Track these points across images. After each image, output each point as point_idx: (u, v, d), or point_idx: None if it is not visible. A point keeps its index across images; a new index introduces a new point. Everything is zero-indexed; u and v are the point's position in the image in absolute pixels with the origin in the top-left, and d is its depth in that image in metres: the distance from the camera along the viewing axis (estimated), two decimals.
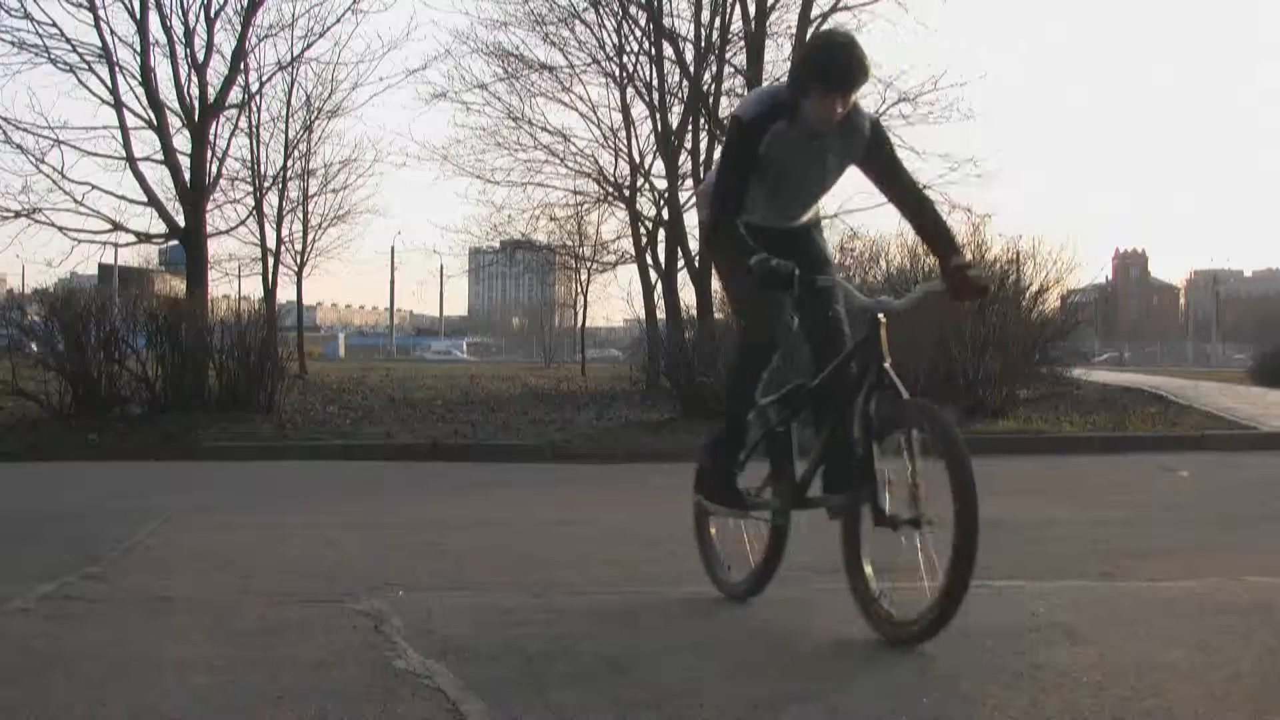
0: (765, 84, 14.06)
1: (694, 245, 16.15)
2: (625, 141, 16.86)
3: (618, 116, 16.90)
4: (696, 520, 4.03)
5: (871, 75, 3.47)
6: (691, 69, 14.90)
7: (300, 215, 21.60)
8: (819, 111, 3.41)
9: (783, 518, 3.68)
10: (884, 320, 3.34)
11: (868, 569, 3.26)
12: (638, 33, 15.81)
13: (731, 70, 15.24)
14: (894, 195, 3.71)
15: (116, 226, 14.72)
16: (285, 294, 24.28)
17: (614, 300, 70.88)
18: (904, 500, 3.22)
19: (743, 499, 3.78)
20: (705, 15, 15.31)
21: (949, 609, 2.99)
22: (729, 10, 14.92)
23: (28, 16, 13.95)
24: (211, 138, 15.03)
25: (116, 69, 14.22)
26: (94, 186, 14.77)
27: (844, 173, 3.68)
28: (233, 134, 16.30)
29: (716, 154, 15.88)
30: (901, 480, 3.24)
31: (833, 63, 3.37)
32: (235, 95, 15.57)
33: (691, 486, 3.97)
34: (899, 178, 3.71)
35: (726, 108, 15.23)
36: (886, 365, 3.32)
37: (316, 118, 19.14)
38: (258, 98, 17.29)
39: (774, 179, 3.60)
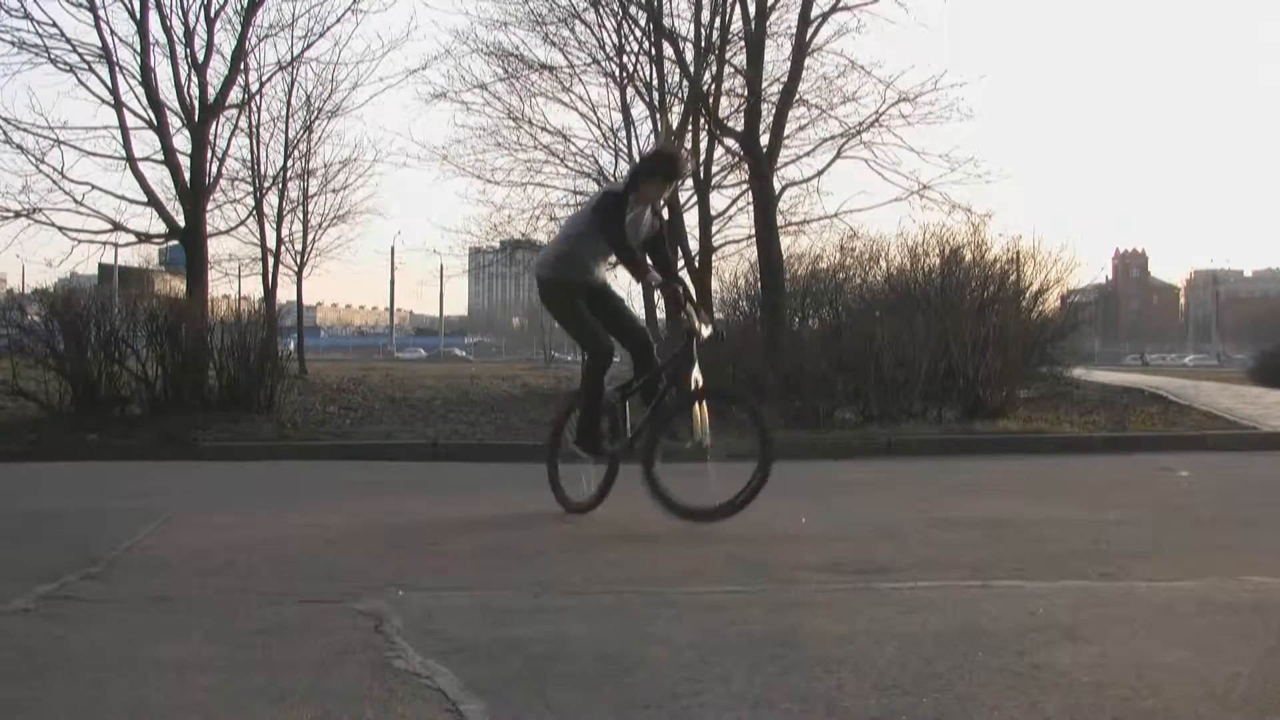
0: (762, 84, 14.06)
1: (694, 245, 16.13)
2: (625, 141, 16.84)
3: (618, 116, 16.91)
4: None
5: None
6: (691, 69, 14.85)
7: (300, 215, 21.57)
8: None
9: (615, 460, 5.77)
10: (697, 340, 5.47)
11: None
12: (638, 33, 15.79)
13: (731, 70, 15.19)
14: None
15: (116, 226, 14.68)
16: (285, 294, 24.25)
17: None
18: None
19: (601, 449, 5.78)
20: (705, 15, 15.29)
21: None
22: (729, 10, 14.89)
23: (28, 16, 13.91)
24: (211, 138, 14.99)
25: (116, 69, 14.18)
26: (94, 186, 14.71)
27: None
28: (233, 134, 16.26)
29: (718, 154, 15.90)
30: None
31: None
32: (235, 95, 15.53)
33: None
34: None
35: (727, 108, 15.20)
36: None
37: (316, 118, 19.10)
38: (258, 98, 17.23)
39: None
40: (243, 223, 18.27)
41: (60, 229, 14.46)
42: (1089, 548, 4.85)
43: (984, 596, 3.83)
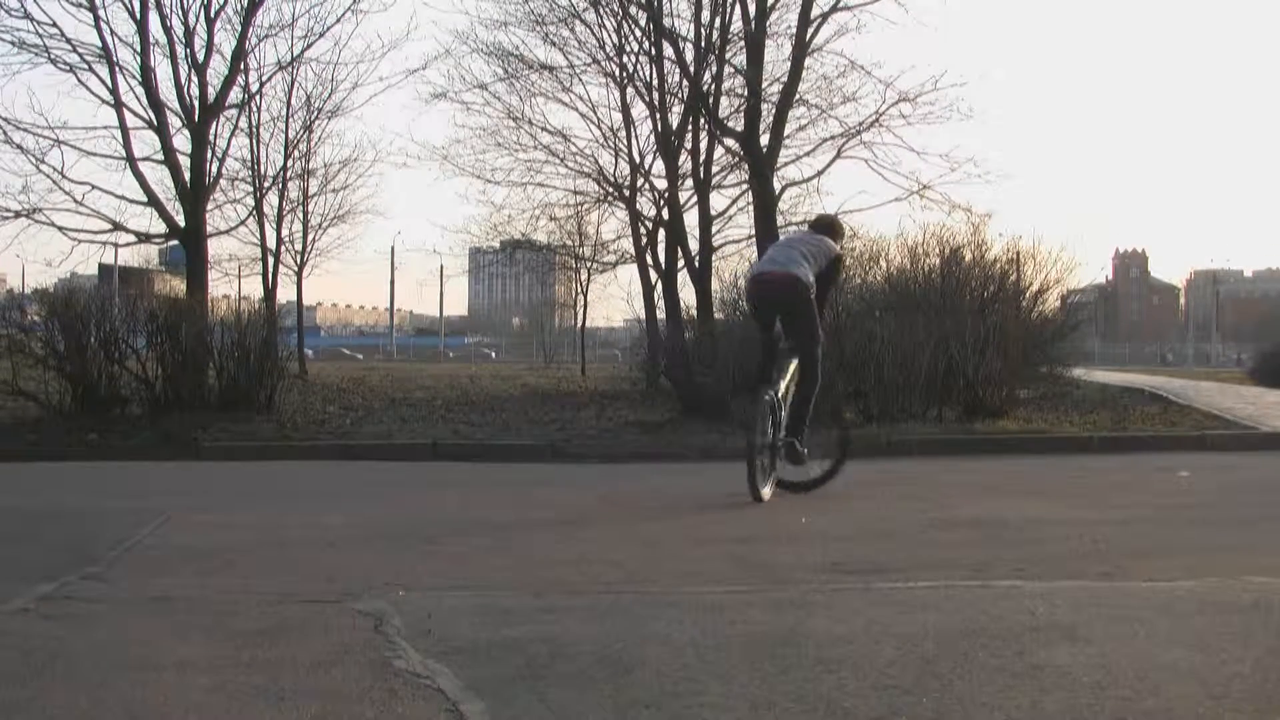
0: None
1: (694, 245, 16.12)
2: (625, 141, 16.81)
3: (618, 116, 16.86)
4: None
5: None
6: (691, 69, 14.81)
7: (300, 215, 21.60)
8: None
9: None
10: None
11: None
12: (638, 33, 15.74)
13: (731, 70, 15.15)
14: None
15: (116, 226, 14.67)
16: (285, 294, 24.25)
17: (614, 300, 70.46)
18: None
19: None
20: (705, 15, 15.24)
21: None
22: (729, 10, 14.85)
23: (28, 16, 13.91)
24: (211, 138, 14.98)
25: (116, 69, 14.18)
26: (94, 186, 14.71)
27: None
28: (233, 134, 16.25)
29: (718, 154, 15.89)
30: None
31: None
32: (235, 95, 15.53)
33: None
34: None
35: (727, 108, 15.18)
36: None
37: (316, 118, 19.09)
38: (258, 98, 17.24)
39: None
40: (243, 223, 18.29)
41: (60, 229, 14.48)
42: (1089, 548, 4.85)
43: (984, 596, 3.83)
